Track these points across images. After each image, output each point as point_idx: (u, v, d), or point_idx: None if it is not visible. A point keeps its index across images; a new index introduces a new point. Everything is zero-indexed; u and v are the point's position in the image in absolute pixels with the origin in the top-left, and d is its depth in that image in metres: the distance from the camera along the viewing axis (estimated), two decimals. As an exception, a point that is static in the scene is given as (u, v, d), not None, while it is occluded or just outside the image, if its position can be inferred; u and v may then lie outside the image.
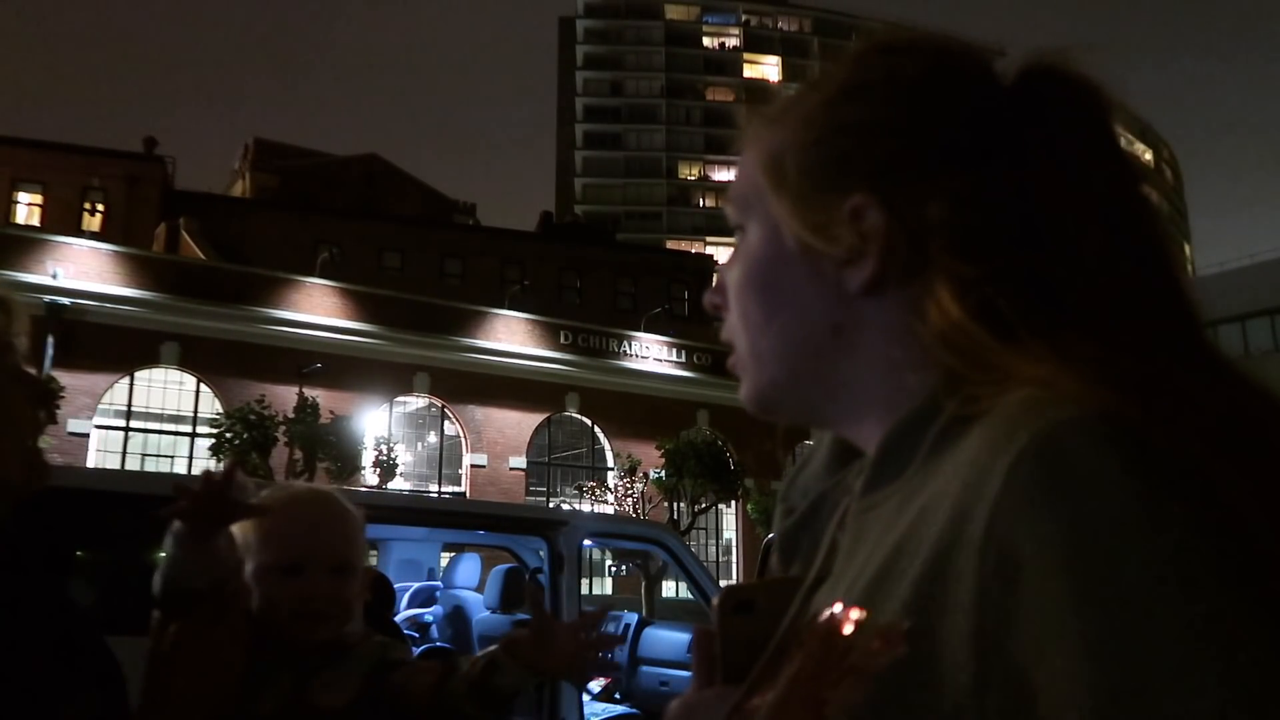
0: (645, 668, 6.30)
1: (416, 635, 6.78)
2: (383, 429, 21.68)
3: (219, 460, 17.72)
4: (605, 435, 25.77)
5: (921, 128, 0.55)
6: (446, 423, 24.22)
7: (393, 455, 19.77)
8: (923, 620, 0.44)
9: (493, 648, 1.38)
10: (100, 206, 34.09)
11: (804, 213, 0.56)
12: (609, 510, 21.81)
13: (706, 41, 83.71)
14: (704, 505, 21.58)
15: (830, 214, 0.55)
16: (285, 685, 1.35)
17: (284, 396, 19.61)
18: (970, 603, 0.42)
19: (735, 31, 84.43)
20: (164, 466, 20.44)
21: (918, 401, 0.53)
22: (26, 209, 33.82)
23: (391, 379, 22.73)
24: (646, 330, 27.98)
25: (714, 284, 0.65)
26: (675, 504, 21.77)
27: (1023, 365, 0.47)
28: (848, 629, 0.47)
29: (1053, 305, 0.50)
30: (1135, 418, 0.42)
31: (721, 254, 52.58)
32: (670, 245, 63.21)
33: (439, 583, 7.29)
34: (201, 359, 20.69)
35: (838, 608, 0.49)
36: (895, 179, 0.54)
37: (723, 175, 78.86)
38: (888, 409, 0.55)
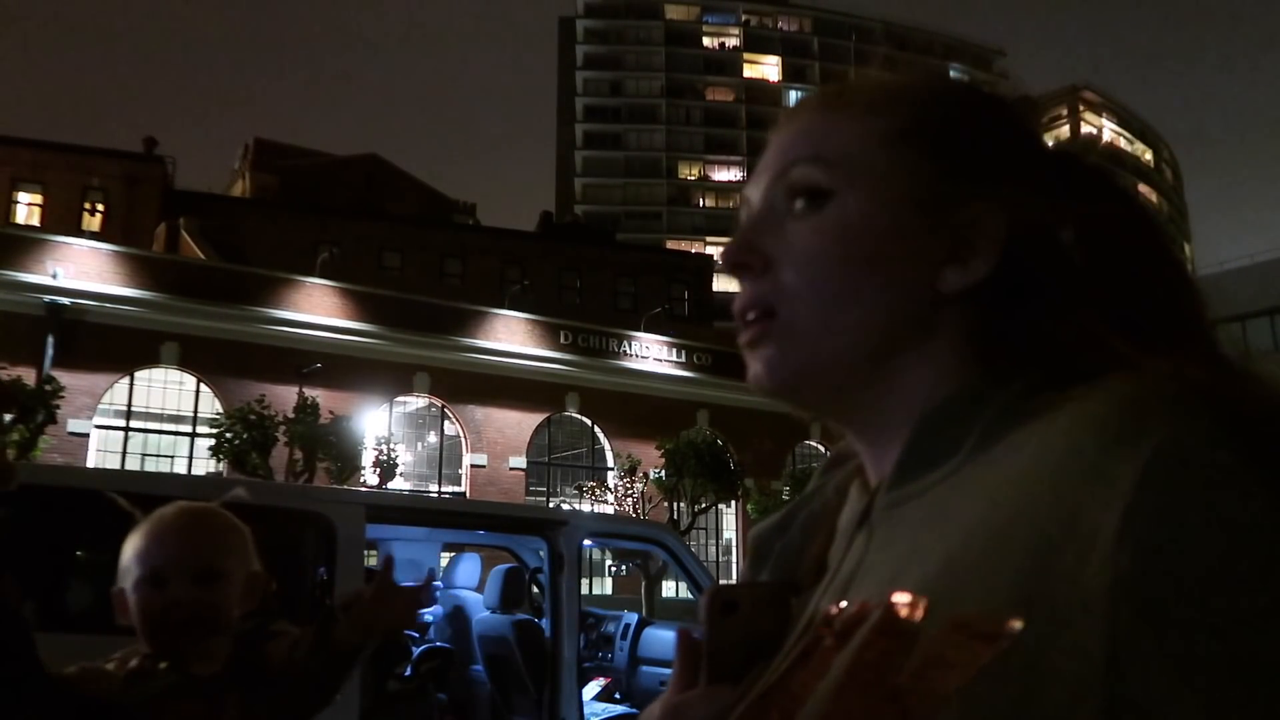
0: (645, 668, 6.30)
1: (416, 635, 6.78)
2: (383, 429, 21.67)
3: (219, 460, 17.72)
4: (605, 435, 25.77)
5: (1053, 157, 0.60)
6: (446, 423, 24.22)
7: (393, 455, 19.75)
8: (1027, 618, 0.42)
9: (331, 604, 1.48)
10: (100, 206, 34.09)
11: (927, 198, 0.57)
12: (609, 510, 21.81)
13: (706, 41, 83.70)
14: (704, 505, 21.57)
15: (954, 212, 0.56)
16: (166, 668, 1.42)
17: (284, 396, 19.60)
18: (1099, 612, 0.40)
19: (735, 31, 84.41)
20: (164, 466, 20.44)
21: (951, 394, 0.55)
22: (26, 209, 33.83)
23: (391, 379, 22.72)
24: (646, 330, 27.97)
25: (743, 242, 0.60)
26: (675, 504, 21.77)
27: (1141, 361, 0.49)
28: (917, 617, 0.46)
29: (1153, 332, 0.52)
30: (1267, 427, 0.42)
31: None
32: (670, 245, 63.20)
33: (439, 583, 7.29)
34: (201, 359, 20.69)
35: (902, 597, 0.47)
36: (1024, 195, 0.56)
37: (723, 175, 78.83)
38: (915, 417, 0.56)
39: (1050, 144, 0.61)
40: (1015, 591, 0.43)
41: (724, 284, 43.18)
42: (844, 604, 0.52)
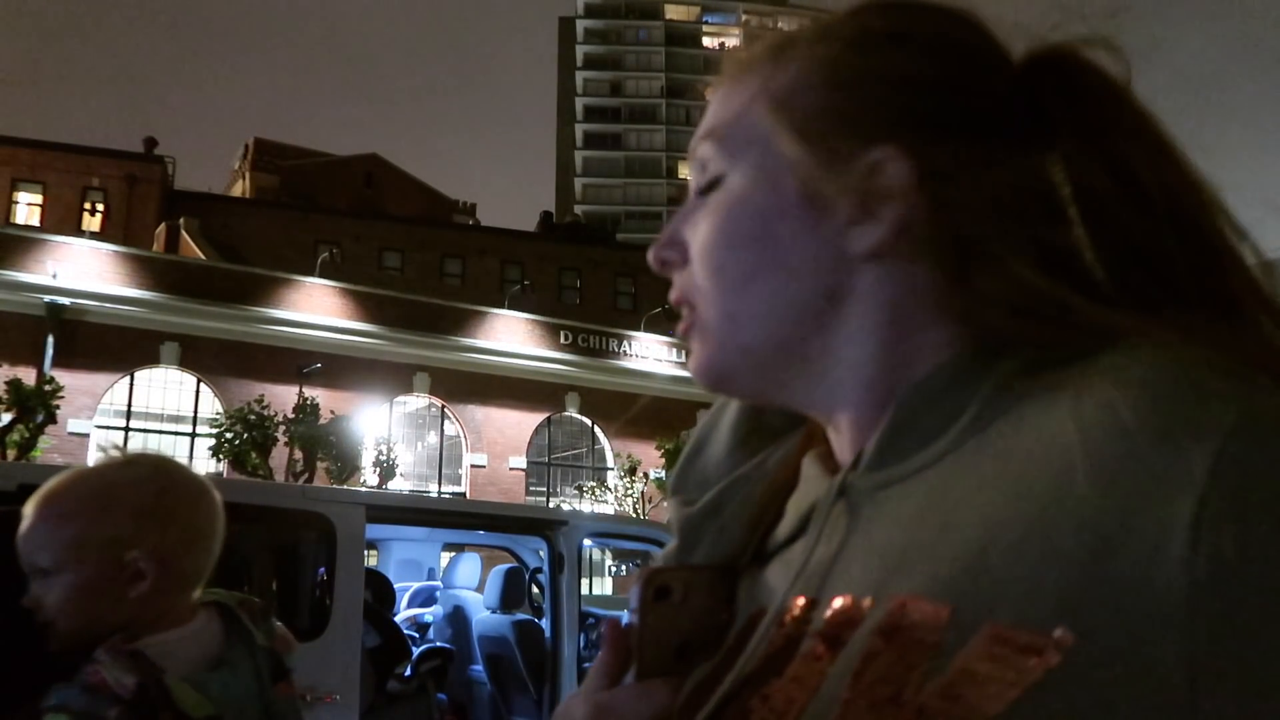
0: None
1: (416, 635, 6.78)
2: (383, 429, 21.67)
3: (219, 460, 17.72)
4: (605, 435, 25.77)
5: (976, 89, 0.49)
6: (446, 423, 24.21)
7: (393, 455, 19.75)
8: (1082, 630, 0.36)
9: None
10: (100, 206, 34.10)
11: (817, 158, 0.50)
12: (609, 510, 21.81)
13: (706, 42, 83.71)
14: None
15: (848, 164, 0.49)
16: None
17: (284, 396, 19.60)
18: (1174, 624, 0.34)
19: (735, 31, 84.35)
20: (164, 466, 20.43)
21: (943, 362, 0.48)
22: (26, 209, 33.84)
23: (391, 379, 22.72)
24: (646, 330, 27.97)
25: (666, 237, 0.57)
26: (675, 504, 21.75)
27: (1145, 328, 0.42)
28: (940, 623, 0.40)
29: (1148, 280, 0.45)
30: None
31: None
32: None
33: (439, 583, 7.29)
34: (201, 359, 20.68)
35: (918, 602, 0.41)
36: (934, 136, 0.48)
37: (723, 175, 78.70)
38: (871, 388, 0.50)
39: (1016, 53, 0.51)
40: (1063, 598, 0.37)
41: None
42: (824, 599, 0.47)
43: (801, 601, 0.48)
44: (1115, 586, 0.36)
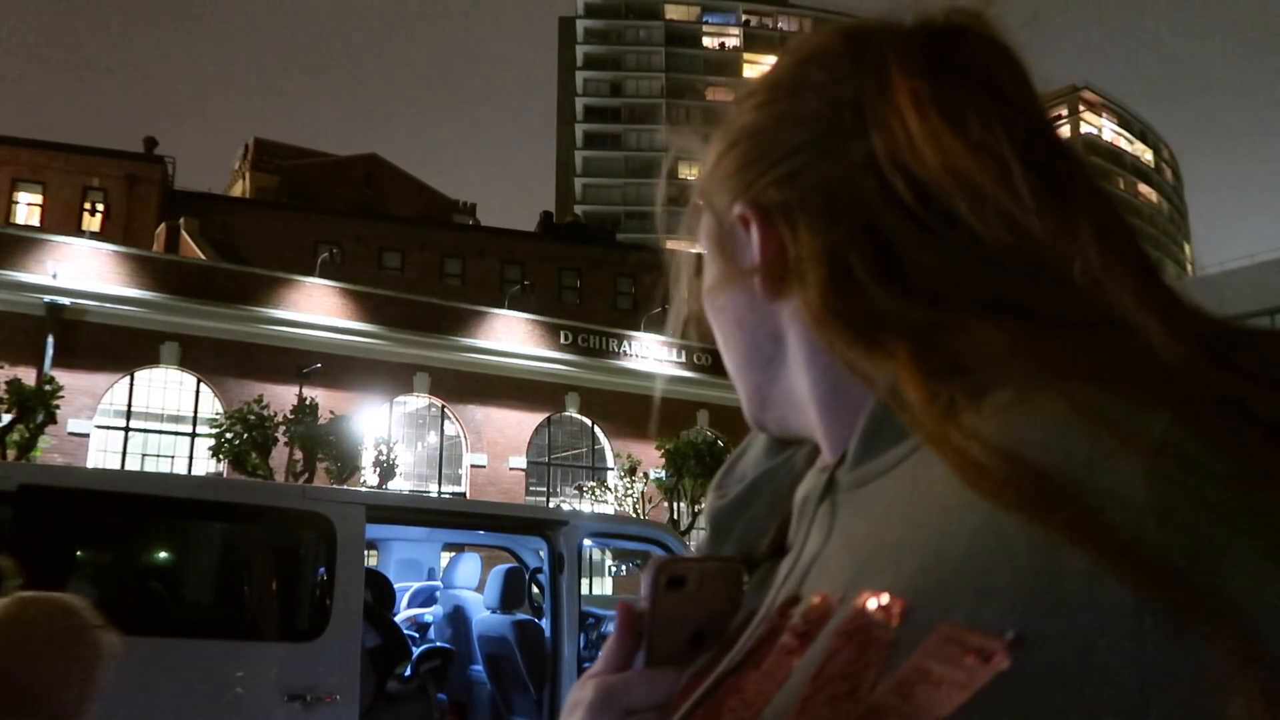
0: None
1: (416, 635, 6.78)
2: (383, 429, 21.67)
3: (219, 460, 17.72)
4: (605, 435, 25.77)
5: (802, 115, 0.52)
6: (446, 423, 24.21)
7: (393, 455, 19.75)
8: (1034, 633, 0.36)
9: None
10: (100, 206, 34.11)
11: (717, 222, 0.56)
12: (609, 510, 21.81)
13: (706, 42, 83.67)
14: (704, 505, 21.56)
15: (727, 222, 0.55)
16: None
17: (284, 396, 19.61)
18: (1123, 632, 0.35)
19: (735, 31, 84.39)
20: (164, 466, 20.44)
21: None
22: (26, 209, 33.84)
23: (391, 379, 22.72)
24: (646, 330, 27.98)
25: None
26: (675, 504, 21.77)
27: (964, 338, 0.43)
28: (893, 622, 0.40)
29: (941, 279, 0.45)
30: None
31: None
32: (671, 246, 62.96)
33: (439, 583, 7.29)
34: (201, 359, 20.69)
35: (874, 597, 0.41)
36: (755, 175, 0.53)
37: (723, 175, 78.66)
38: (828, 408, 0.51)
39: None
40: (1013, 602, 0.37)
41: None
42: (806, 596, 0.47)
43: (787, 597, 0.49)
44: (1064, 591, 0.36)
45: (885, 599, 0.41)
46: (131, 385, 20.51)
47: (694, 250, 0.62)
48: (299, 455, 17.74)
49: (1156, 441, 0.36)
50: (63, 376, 17.52)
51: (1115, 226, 0.45)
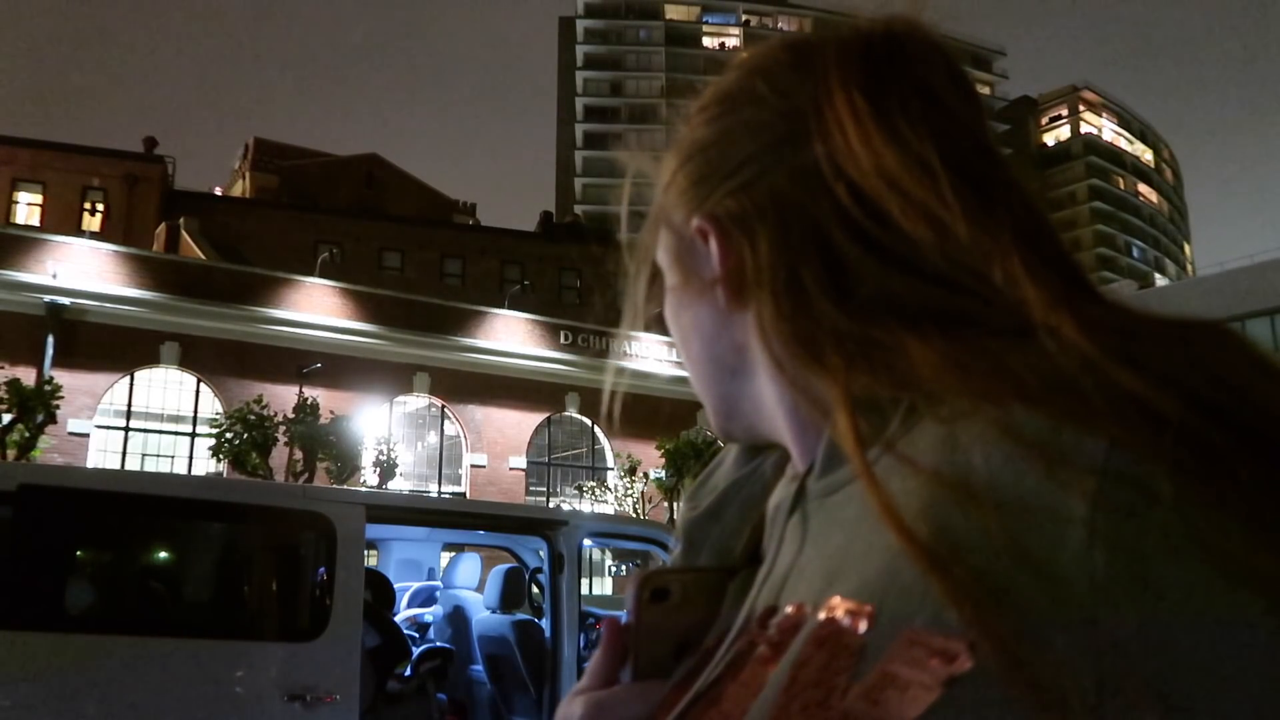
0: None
1: (416, 635, 6.79)
2: (383, 429, 21.67)
3: (219, 460, 17.72)
4: (605, 435, 25.77)
5: (752, 126, 0.52)
6: (446, 423, 24.21)
7: (393, 455, 19.75)
8: (993, 633, 0.36)
9: None
10: (100, 206, 34.11)
11: (677, 235, 0.56)
12: (609, 510, 21.81)
13: (706, 42, 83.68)
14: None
15: (685, 236, 0.55)
16: None
17: (284, 396, 19.61)
18: (1082, 627, 0.35)
19: (735, 31, 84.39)
20: (164, 466, 20.44)
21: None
22: (26, 209, 33.86)
23: (391, 379, 22.72)
24: (646, 330, 27.96)
25: None
26: (675, 504, 21.77)
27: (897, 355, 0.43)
28: (860, 629, 0.40)
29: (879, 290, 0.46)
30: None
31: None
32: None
33: (439, 583, 7.29)
34: (201, 359, 20.69)
35: (842, 604, 0.41)
36: (710, 188, 0.53)
37: (723, 175, 78.72)
38: (794, 416, 0.51)
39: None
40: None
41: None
42: (782, 605, 0.47)
43: (765, 607, 0.49)
44: (1019, 591, 0.36)
45: (853, 605, 0.41)
46: (131, 385, 20.51)
47: (650, 264, 0.61)
48: (299, 455, 17.74)
49: (1091, 491, 0.36)
50: (63, 376, 17.53)
51: (1035, 227, 0.45)
